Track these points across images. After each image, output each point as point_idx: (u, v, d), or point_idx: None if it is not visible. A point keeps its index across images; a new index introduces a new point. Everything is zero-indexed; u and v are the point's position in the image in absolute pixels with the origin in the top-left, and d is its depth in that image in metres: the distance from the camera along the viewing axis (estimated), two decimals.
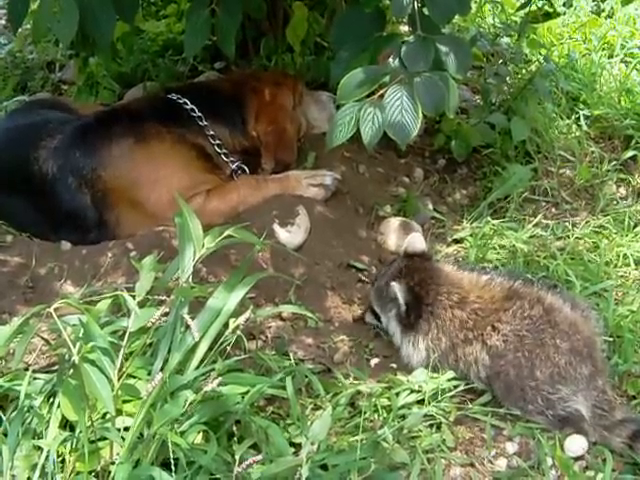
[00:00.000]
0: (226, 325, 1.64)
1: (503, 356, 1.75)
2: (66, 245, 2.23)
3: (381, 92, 1.70)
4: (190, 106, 2.31)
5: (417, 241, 1.95)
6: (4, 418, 1.54)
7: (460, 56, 1.78)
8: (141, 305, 1.60)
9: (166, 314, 1.60)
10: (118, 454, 1.45)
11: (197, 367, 1.58)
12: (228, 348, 1.61)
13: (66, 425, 1.53)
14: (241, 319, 1.59)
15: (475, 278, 1.88)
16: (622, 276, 2.20)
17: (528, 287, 1.83)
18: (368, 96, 1.76)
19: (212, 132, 2.32)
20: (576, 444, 1.70)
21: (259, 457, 1.42)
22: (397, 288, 1.83)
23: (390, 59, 1.79)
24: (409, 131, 1.68)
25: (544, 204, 2.57)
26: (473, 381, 1.81)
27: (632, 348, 1.91)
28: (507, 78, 2.88)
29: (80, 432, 1.45)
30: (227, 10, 2.32)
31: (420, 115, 1.68)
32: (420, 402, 1.75)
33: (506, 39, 3.19)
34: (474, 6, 3.57)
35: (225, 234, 1.59)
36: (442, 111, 1.72)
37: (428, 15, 1.82)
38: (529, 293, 1.81)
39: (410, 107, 1.68)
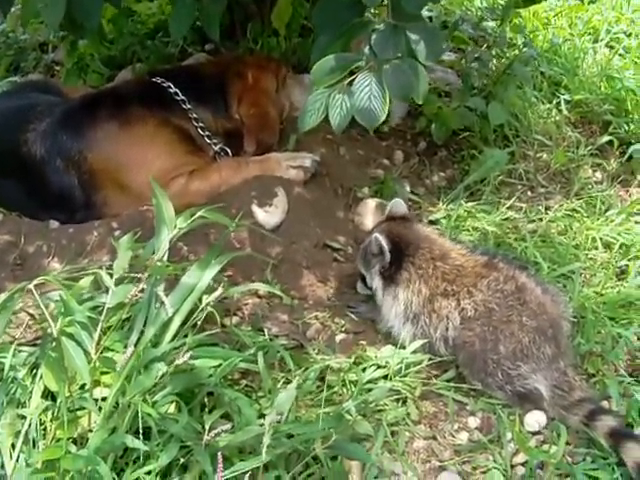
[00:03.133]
0: (200, 301, 1.72)
1: (471, 328, 1.83)
2: (54, 224, 2.30)
3: (350, 79, 1.75)
4: (174, 90, 2.37)
5: (399, 205, 2.04)
6: None
7: (431, 43, 1.83)
8: (121, 282, 1.68)
9: (142, 291, 1.69)
10: (96, 422, 1.54)
11: (171, 341, 1.66)
12: (199, 323, 1.69)
13: (48, 395, 1.61)
14: (213, 296, 1.67)
15: (458, 245, 1.99)
16: (591, 259, 2.26)
17: (506, 264, 1.91)
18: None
19: (195, 115, 2.38)
20: (535, 419, 1.78)
21: (227, 426, 1.50)
22: (381, 238, 1.91)
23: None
24: (377, 116, 1.74)
25: (520, 187, 2.62)
26: (438, 347, 1.87)
27: (594, 329, 1.98)
28: (490, 62, 2.92)
29: (60, 402, 1.53)
30: None
31: (388, 101, 1.74)
32: (387, 377, 1.83)
33: (492, 23, 3.22)
34: None
35: (197, 215, 1.66)
36: (410, 97, 1.77)
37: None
38: (506, 269, 1.88)
39: (378, 93, 1.73)
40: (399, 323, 1.92)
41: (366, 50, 1.79)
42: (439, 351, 1.88)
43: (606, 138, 2.81)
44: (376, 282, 1.98)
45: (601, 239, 2.31)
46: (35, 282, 1.61)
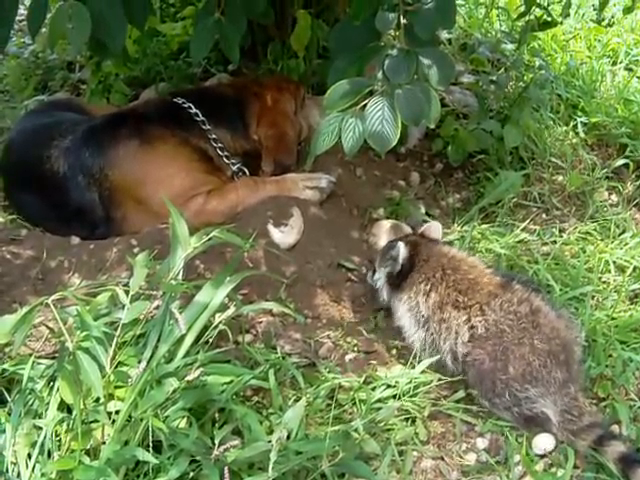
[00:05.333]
0: (213, 319, 1.76)
1: (482, 347, 1.84)
2: (75, 240, 2.35)
3: (363, 103, 1.79)
4: (194, 110, 2.43)
5: (434, 230, 2.12)
6: (9, 399, 1.67)
7: (443, 68, 1.86)
8: (136, 298, 1.73)
9: (157, 307, 1.73)
10: (108, 435, 1.58)
11: (184, 357, 1.69)
12: (211, 340, 1.73)
13: (64, 407, 1.65)
14: (225, 314, 1.71)
15: (477, 262, 2.03)
16: (604, 282, 2.26)
17: (522, 286, 1.93)
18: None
19: (214, 135, 2.43)
20: (543, 442, 1.78)
21: (236, 442, 1.54)
22: (402, 248, 2.00)
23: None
24: (389, 140, 1.77)
25: (535, 210, 2.64)
26: (445, 360, 1.90)
27: (605, 352, 1.98)
28: (508, 85, 2.94)
29: (75, 414, 1.58)
30: (232, 18, 2.41)
31: (399, 125, 1.77)
32: (397, 397, 1.85)
33: (510, 46, 3.25)
34: (482, 12, 3.64)
35: (211, 235, 1.70)
36: (420, 121, 1.80)
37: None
38: (521, 291, 1.90)
39: (390, 118, 1.76)
40: (409, 324, 1.98)
41: (379, 75, 1.83)
42: (447, 365, 1.91)
43: (622, 161, 2.82)
44: (381, 281, 2.08)
45: (614, 262, 2.31)
46: (54, 297, 1.65)
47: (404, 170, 2.80)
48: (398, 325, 2.04)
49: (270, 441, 1.55)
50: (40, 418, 1.63)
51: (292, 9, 2.96)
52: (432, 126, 1.85)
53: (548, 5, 2.83)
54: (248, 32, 2.68)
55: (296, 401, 1.81)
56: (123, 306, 1.70)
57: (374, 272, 2.14)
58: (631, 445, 1.74)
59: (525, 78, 3.10)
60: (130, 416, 1.58)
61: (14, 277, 2.17)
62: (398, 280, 2.02)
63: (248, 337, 2.00)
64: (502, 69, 3.06)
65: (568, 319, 1.93)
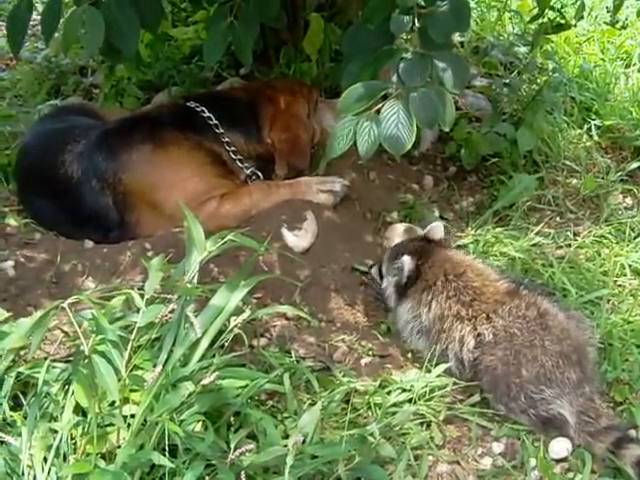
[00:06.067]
0: (228, 322, 1.76)
1: (492, 353, 1.84)
2: (89, 243, 2.36)
3: (378, 106, 1.79)
4: (207, 114, 2.43)
5: (437, 230, 2.12)
6: (25, 402, 1.68)
7: (457, 71, 1.86)
8: (152, 302, 1.73)
9: (172, 311, 1.73)
10: (124, 439, 1.58)
11: (199, 361, 1.69)
12: (226, 344, 1.73)
13: (79, 411, 1.64)
14: (241, 317, 1.71)
15: (483, 268, 2.02)
16: (619, 285, 2.25)
17: (529, 291, 1.93)
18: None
19: (227, 139, 2.44)
20: (560, 446, 1.77)
21: (251, 446, 1.54)
22: (407, 261, 2.00)
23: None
24: (404, 144, 1.77)
25: (549, 213, 2.63)
26: (450, 362, 1.91)
27: (621, 356, 1.97)
28: (521, 88, 2.94)
29: (91, 418, 1.58)
30: (245, 22, 2.42)
31: (415, 129, 1.77)
32: (412, 401, 1.84)
33: (523, 49, 3.24)
34: (494, 15, 3.64)
35: (226, 238, 1.70)
36: (435, 125, 1.80)
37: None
38: (528, 296, 1.90)
39: (406, 121, 1.77)
40: (412, 332, 2.00)
41: (394, 78, 1.83)
42: (455, 370, 1.91)
43: (636, 164, 2.81)
44: (389, 290, 2.09)
45: (630, 266, 2.30)
46: (69, 301, 1.66)
47: (417, 173, 2.80)
48: (400, 330, 2.06)
49: (286, 445, 1.55)
50: (55, 421, 1.63)
51: (304, 13, 2.97)
52: (447, 129, 1.85)
53: (561, 7, 2.83)
54: (260, 36, 2.69)
55: (311, 405, 1.81)
56: (138, 310, 1.70)
57: (380, 268, 2.15)
58: None
59: (538, 81, 3.09)
60: (145, 420, 1.57)
61: (28, 281, 2.18)
62: (405, 289, 2.04)
63: (263, 341, 2.00)
64: (515, 72, 3.05)
65: (579, 320, 1.93)
